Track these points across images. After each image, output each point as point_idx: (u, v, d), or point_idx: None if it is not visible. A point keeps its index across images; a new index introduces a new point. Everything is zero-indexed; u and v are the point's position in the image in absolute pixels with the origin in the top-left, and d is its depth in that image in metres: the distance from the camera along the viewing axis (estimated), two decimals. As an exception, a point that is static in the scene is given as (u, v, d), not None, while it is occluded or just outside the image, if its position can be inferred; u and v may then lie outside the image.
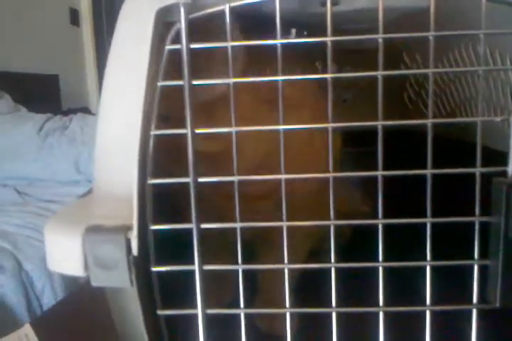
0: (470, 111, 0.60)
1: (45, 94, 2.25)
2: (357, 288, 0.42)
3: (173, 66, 0.32)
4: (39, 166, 1.51)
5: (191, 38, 0.31)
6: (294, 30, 0.61)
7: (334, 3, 0.42)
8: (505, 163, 0.32)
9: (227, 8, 0.31)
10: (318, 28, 0.36)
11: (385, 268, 0.34)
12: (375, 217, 0.34)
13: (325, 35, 0.34)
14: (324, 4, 0.35)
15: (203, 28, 0.32)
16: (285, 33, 0.63)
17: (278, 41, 0.32)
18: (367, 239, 0.37)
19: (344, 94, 0.93)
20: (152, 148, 0.33)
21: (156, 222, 0.35)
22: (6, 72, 2.01)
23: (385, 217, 0.34)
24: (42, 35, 2.43)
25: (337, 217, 0.41)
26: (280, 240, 0.34)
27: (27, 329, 0.64)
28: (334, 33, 0.33)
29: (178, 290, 0.39)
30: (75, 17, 2.82)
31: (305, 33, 0.64)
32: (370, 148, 0.36)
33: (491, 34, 0.32)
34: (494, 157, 0.34)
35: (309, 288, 0.48)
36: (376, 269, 0.34)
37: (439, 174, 0.32)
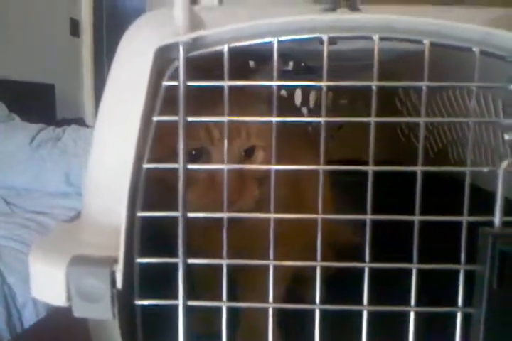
0: (461, 149, 0.61)
1: (40, 103, 2.25)
2: (341, 327, 0.42)
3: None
4: (29, 177, 1.50)
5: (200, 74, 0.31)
6: (291, 63, 0.62)
7: (332, 43, 0.43)
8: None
9: (225, 48, 0.32)
10: (315, 60, 0.37)
11: (369, 311, 0.34)
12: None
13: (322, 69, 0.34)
14: (323, 43, 0.36)
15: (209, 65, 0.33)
16: (283, 65, 0.63)
17: (274, 83, 0.32)
18: (353, 273, 0.37)
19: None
20: (143, 181, 0.34)
21: (142, 255, 0.35)
22: (2, 80, 2.01)
23: (372, 256, 0.34)
24: (41, 45, 2.44)
25: (327, 247, 0.41)
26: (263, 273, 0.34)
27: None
28: (333, 67, 0.34)
29: (161, 323, 0.38)
30: (75, 28, 2.83)
31: (302, 64, 0.65)
32: (362, 177, 0.36)
33: (483, 84, 0.33)
34: (487, 198, 0.35)
35: (293, 320, 0.48)
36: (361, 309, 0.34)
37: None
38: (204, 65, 0.35)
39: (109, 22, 2.95)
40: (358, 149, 0.33)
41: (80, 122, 2.28)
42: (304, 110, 0.91)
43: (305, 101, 0.92)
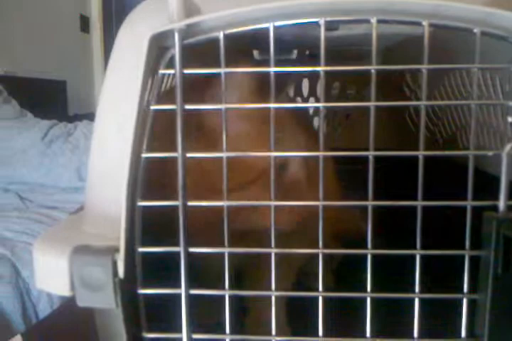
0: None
1: (52, 100, 2.27)
2: (345, 315, 0.42)
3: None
4: (42, 172, 1.52)
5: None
6: (295, 51, 0.61)
7: (334, 28, 0.42)
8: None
9: (221, 35, 0.31)
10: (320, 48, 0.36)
11: (373, 299, 0.33)
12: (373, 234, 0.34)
13: (328, 57, 0.34)
14: (325, 28, 0.35)
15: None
16: (287, 54, 0.63)
17: (272, 69, 0.32)
18: (358, 260, 0.37)
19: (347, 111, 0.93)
20: (143, 171, 0.33)
21: (145, 244, 0.35)
22: (14, 76, 2.03)
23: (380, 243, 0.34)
24: (52, 41, 2.46)
25: (334, 238, 0.41)
26: (268, 263, 0.34)
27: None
28: (338, 53, 0.33)
29: (164, 312, 0.38)
30: (85, 24, 2.85)
31: (307, 52, 0.65)
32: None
33: (486, 64, 0.32)
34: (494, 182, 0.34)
35: (299, 308, 0.48)
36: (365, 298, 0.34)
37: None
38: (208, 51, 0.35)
39: (118, 17, 2.96)
40: (366, 138, 0.33)
41: (92, 117, 2.27)
42: (312, 100, 0.90)
43: (312, 91, 0.91)
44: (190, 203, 0.33)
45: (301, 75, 0.87)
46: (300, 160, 0.46)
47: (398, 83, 0.72)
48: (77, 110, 2.50)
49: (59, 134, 1.63)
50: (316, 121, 0.91)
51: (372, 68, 0.31)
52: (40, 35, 2.37)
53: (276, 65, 0.33)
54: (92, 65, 2.90)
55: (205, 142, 0.43)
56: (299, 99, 0.90)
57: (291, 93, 0.88)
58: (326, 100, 0.33)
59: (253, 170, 0.43)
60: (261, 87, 0.41)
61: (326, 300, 0.34)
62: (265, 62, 0.34)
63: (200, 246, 0.34)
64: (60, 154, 1.56)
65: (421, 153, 0.32)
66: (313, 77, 0.86)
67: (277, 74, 0.33)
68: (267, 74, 0.33)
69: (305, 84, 0.91)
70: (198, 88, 0.38)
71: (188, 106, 0.32)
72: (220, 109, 0.33)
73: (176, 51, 0.31)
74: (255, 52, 0.62)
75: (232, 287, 0.35)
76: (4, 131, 1.55)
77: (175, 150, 0.32)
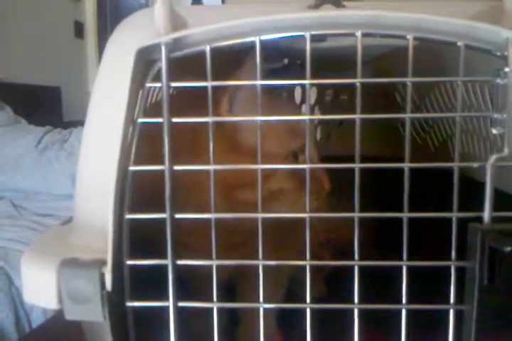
0: (463, 143, 0.60)
1: (46, 106, 2.26)
2: (335, 322, 0.42)
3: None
4: (36, 179, 1.51)
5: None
6: (286, 60, 0.62)
7: (321, 40, 0.43)
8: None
9: (207, 48, 0.31)
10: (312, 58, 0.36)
11: (360, 310, 0.34)
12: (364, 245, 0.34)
13: (318, 66, 0.34)
14: (313, 40, 0.36)
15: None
16: (278, 62, 0.63)
17: (258, 82, 0.32)
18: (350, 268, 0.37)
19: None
20: (130, 183, 0.34)
21: (132, 257, 0.35)
22: (8, 83, 2.03)
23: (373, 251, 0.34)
24: (46, 47, 2.45)
25: (320, 247, 0.41)
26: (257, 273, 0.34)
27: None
28: (327, 62, 0.33)
29: (153, 323, 0.38)
30: (79, 30, 2.85)
31: (298, 62, 0.65)
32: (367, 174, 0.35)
33: (469, 78, 0.32)
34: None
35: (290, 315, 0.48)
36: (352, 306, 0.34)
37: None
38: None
39: (113, 24, 2.96)
40: (360, 145, 0.33)
41: (87, 124, 2.28)
42: (304, 108, 0.90)
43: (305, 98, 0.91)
44: (177, 215, 0.33)
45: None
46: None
47: (391, 93, 0.72)
48: (72, 116, 2.50)
49: (53, 141, 1.63)
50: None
51: (358, 81, 0.31)
52: (35, 41, 2.37)
53: (269, 73, 0.34)
54: (87, 71, 2.90)
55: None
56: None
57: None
58: (320, 107, 0.34)
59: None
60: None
61: (314, 310, 0.34)
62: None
63: (192, 258, 0.34)
64: (55, 161, 1.55)
65: (406, 165, 0.32)
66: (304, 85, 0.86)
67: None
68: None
69: (297, 91, 0.91)
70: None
71: (175, 120, 0.32)
72: (207, 122, 0.33)
73: (163, 64, 0.31)
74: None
75: (223, 297, 0.35)
76: (-2, 138, 1.55)
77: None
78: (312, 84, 0.33)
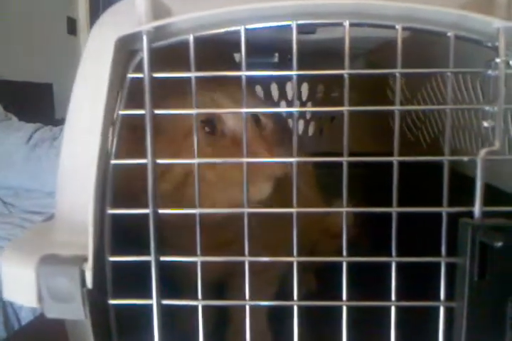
0: (454, 137, 0.60)
1: (38, 103, 2.24)
2: (322, 324, 0.41)
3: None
4: (26, 177, 1.49)
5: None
6: (276, 54, 0.61)
7: (311, 32, 0.42)
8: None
9: (191, 37, 0.30)
10: (301, 52, 0.36)
11: (348, 309, 0.33)
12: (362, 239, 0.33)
13: (309, 61, 0.33)
14: (302, 32, 0.35)
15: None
16: (268, 57, 0.62)
17: (243, 73, 0.31)
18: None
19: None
20: (111, 178, 0.33)
21: (115, 253, 0.34)
22: (0, 79, 2.01)
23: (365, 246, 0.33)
24: (38, 44, 2.43)
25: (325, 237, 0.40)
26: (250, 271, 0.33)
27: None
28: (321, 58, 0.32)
29: (136, 322, 0.37)
30: (72, 26, 2.82)
31: (289, 56, 0.64)
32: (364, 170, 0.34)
33: (459, 69, 0.31)
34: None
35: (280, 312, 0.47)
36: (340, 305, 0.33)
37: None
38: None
39: (106, 20, 2.94)
40: (352, 141, 0.32)
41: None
42: (297, 103, 0.90)
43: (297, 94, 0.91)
44: (161, 210, 0.33)
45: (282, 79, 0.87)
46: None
47: (381, 87, 0.71)
48: (64, 114, 2.47)
49: (44, 138, 1.61)
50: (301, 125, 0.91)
51: (345, 72, 0.30)
52: (27, 38, 2.34)
53: (258, 68, 0.33)
54: (76, 74, 2.87)
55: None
56: (283, 102, 0.90)
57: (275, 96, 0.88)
58: (312, 104, 0.33)
59: None
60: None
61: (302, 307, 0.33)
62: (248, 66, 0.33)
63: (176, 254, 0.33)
64: (45, 158, 1.53)
65: (395, 159, 0.31)
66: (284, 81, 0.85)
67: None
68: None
69: (289, 87, 0.90)
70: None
71: (157, 111, 0.31)
72: (191, 114, 0.32)
73: (145, 54, 0.30)
74: (236, 56, 0.61)
75: (215, 297, 0.34)
76: (-13, 134, 1.53)
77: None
78: (302, 79, 0.32)
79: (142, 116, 0.31)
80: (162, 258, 0.33)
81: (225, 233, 0.44)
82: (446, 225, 0.32)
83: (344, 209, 0.32)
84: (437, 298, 0.33)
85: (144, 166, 0.32)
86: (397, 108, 0.30)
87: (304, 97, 0.91)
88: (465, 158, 0.31)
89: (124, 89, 0.31)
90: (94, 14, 2.97)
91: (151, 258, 0.33)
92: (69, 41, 2.83)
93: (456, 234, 0.32)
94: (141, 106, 0.31)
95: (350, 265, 0.33)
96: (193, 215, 0.33)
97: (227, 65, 0.52)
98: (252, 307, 0.34)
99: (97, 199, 0.32)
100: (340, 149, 0.32)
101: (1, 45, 2.16)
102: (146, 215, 0.33)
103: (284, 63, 0.65)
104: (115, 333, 0.35)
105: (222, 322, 0.53)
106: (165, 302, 0.33)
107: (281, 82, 0.87)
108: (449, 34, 0.30)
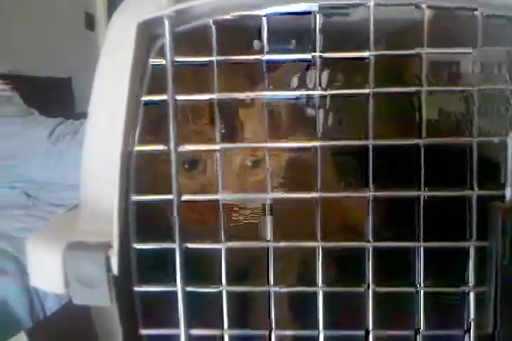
0: (480, 121, 0.58)
1: (58, 97, 2.26)
2: (347, 308, 0.41)
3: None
4: (49, 170, 1.51)
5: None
6: (294, 41, 0.60)
7: (328, 15, 0.41)
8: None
9: (211, 21, 0.30)
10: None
11: (374, 295, 0.32)
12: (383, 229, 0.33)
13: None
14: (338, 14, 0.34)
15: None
16: (286, 44, 0.61)
17: (264, 57, 0.31)
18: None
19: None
20: (135, 165, 0.33)
21: (140, 241, 0.34)
22: (20, 75, 2.03)
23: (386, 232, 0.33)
24: (57, 39, 2.45)
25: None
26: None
27: (21, 338, 0.64)
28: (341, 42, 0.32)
29: (162, 308, 0.37)
30: (90, 21, 2.84)
31: (309, 46, 0.63)
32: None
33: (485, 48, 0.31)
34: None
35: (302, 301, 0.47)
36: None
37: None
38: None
39: (123, 14, 2.95)
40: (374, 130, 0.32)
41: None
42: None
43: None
44: (184, 197, 0.32)
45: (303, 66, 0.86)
46: None
47: (403, 77, 0.70)
48: (84, 107, 2.50)
49: (66, 132, 1.62)
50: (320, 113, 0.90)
51: (370, 54, 0.30)
52: (45, 33, 2.36)
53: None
54: (98, 62, 2.89)
55: None
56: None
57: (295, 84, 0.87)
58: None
59: None
60: None
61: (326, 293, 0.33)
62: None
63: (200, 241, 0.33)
64: (67, 152, 1.55)
65: (422, 141, 0.30)
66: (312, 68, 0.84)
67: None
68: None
69: (310, 75, 0.89)
70: None
71: (179, 97, 0.31)
72: (212, 99, 0.32)
73: (166, 39, 0.30)
74: (255, 42, 0.61)
75: (235, 283, 0.34)
76: (10, 129, 1.55)
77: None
78: (323, 67, 0.32)
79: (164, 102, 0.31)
80: (187, 245, 0.33)
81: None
82: (475, 209, 0.31)
83: (370, 194, 0.32)
84: (460, 284, 0.33)
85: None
86: (424, 89, 0.30)
87: (324, 85, 0.90)
88: (495, 139, 0.30)
89: (147, 75, 0.31)
90: (112, 9, 2.98)
91: (175, 245, 0.33)
92: (87, 36, 2.85)
93: (479, 218, 0.32)
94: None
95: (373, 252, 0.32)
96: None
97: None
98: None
99: (122, 185, 0.32)
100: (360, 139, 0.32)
101: (19, 41, 2.18)
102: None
103: (303, 51, 0.64)
104: (141, 318, 0.35)
105: (245, 312, 0.53)
106: (189, 289, 0.33)
107: (301, 71, 0.86)
108: (476, 12, 0.29)
